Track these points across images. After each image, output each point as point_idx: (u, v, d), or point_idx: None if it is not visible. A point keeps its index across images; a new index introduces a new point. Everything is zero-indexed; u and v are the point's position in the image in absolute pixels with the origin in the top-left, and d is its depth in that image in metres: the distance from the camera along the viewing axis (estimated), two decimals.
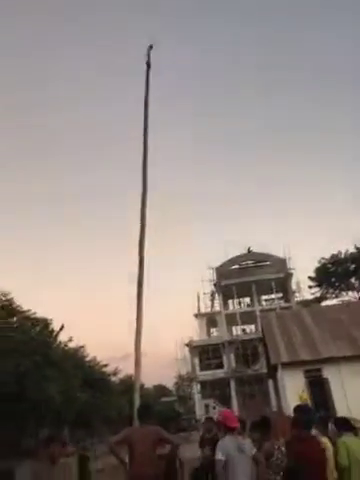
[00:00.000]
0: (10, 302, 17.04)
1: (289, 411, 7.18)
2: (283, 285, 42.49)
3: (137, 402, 6.66)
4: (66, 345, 20.67)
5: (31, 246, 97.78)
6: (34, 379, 14.32)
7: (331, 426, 6.68)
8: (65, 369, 17.87)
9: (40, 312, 19.12)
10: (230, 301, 45.84)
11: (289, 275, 42.13)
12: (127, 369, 37.49)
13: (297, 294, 43.26)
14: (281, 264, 42.31)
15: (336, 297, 41.89)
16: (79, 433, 29.93)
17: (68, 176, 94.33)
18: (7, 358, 12.78)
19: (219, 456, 4.03)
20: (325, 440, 5.40)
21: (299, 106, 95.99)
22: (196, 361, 40.44)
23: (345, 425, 4.94)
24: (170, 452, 5.53)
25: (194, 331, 43.79)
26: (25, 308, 17.91)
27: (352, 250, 39.85)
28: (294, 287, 43.11)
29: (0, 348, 12.55)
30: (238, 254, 44.52)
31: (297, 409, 5.43)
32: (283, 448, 5.12)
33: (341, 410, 13.47)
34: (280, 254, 42.99)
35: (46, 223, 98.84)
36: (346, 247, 40.67)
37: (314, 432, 5.03)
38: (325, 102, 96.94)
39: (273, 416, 7.07)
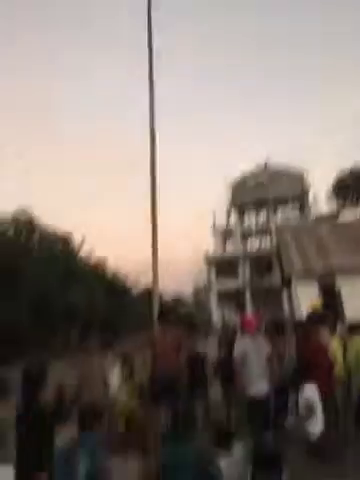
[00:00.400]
0: (30, 220, 17.44)
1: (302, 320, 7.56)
2: (300, 199, 42.08)
3: (156, 308, 6.97)
4: (87, 258, 21.61)
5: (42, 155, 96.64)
6: (60, 289, 15.33)
7: (340, 329, 7.10)
8: (88, 280, 18.93)
9: (58, 224, 19.72)
10: (246, 216, 46.08)
11: (306, 189, 41.50)
12: (148, 281, 39.47)
13: (313, 208, 43.00)
14: (298, 178, 41.46)
15: (353, 211, 41.48)
16: (105, 337, 32.80)
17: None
18: (34, 272, 13.53)
19: (237, 353, 4.41)
20: (334, 342, 5.77)
21: None
22: (212, 274, 42.04)
23: (357, 328, 5.26)
24: (191, 353, 5.97)
25: (210, 246, 44.93)
26: (45, 225, 18.39)
27: None
28: (311, 201, 42.71)
29: (26, 263, 13.22)
30: (254, 169, 43.66)
31: (309, 315, 5.73)
32: (294, 349, 5.54)
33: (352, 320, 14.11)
34: (298, 168, 41.91)
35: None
36: None
37: (324, 334, 5.36)
38: None
39: (286, 322, 7.49)
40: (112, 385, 5.49)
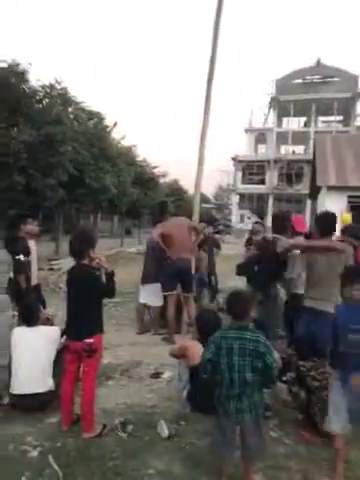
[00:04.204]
0: (65, 91, 16.66)
1: None
2: (347, 107, 38.88)
3: (198, 201, 6.74)
4: (119, 143, 21.14)
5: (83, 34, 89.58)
6: (91, 169, 15.33)
7: None
8: (118, 165, 18.80)
9: (95, 106, 18.86)
10: (285, 119, 43.35)
11: (357, 95, 38.03)
12: (175, 174, 39.47)
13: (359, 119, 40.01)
14: (351, 82, 37.75)
15: None
16: (127, 224, 33.93)
17: None
18: (67, 146, 13.39)
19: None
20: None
21: None
22: (239, 175, 41.36)
23: None
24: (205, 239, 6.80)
25: (241, 147, 43.42)
26: (80, 100, 17.61)
27: None
28: (359, 111, 39.53)
29: (60, 137, 12.97)
30: (304, 66, 39.64)
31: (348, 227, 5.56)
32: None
33: None
34: (354, 70, 37.95)
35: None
36: None
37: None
38: None
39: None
40: None
